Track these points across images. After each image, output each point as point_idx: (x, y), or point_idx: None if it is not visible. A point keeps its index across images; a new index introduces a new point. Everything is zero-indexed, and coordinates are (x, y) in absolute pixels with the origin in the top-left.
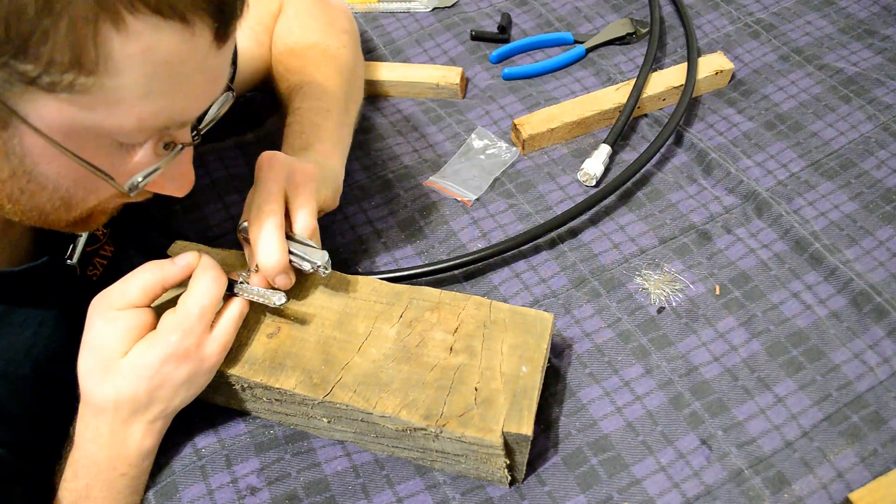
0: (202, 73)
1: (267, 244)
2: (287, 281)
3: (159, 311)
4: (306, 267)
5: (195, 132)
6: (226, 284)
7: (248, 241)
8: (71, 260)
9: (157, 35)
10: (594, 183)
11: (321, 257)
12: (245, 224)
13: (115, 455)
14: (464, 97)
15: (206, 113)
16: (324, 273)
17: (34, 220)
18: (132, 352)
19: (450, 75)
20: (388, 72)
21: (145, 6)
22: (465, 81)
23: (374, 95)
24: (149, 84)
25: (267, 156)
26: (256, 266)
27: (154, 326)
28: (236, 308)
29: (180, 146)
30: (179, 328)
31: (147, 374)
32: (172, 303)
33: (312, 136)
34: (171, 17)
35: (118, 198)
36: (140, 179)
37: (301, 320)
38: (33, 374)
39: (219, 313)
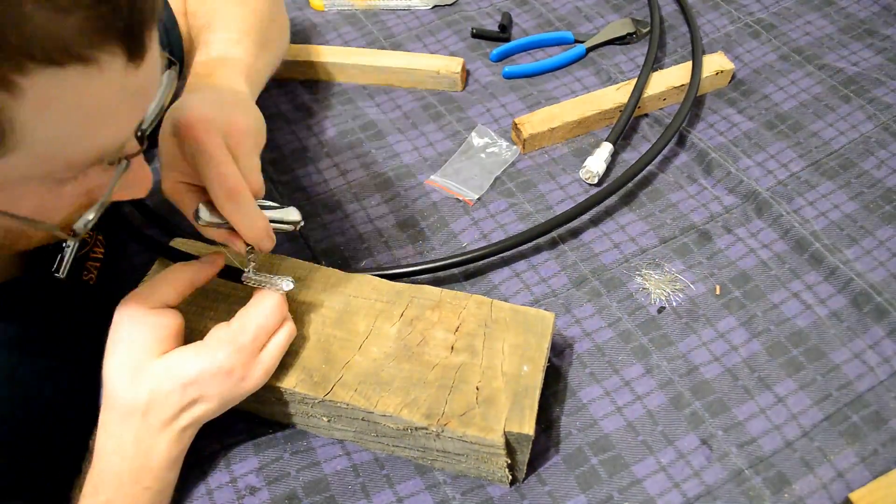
0: (124, 98)
1: (249, 216)
2: (271, 243)
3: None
4: (287, 228)
5: (139, 135)
6: (285, 305)
7: (213, 225)
8: (59, 273)
9: (58, 86)
10: (596, 181)
11: (295, 213)
12: (203, 212)
13: (139, 467)
14: (464, 89)
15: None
16: (300, 228)
17: None
18: (173, 356)
19: (451, 64)
20: (388, 59)
21: (34, 62)
22: (466, 73)
23: (373, 86)
24: (66, 132)
25: (196, 120)
26: (250, 246)
27: (183, 328)
28: (285, 334)
29: (125, 162)
30: (231, 345)
31: (185, 381)
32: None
33: (220, 68)
34: (68, 62)
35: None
36: (91, 217)
37: (301, 318)
38: (16, 394)
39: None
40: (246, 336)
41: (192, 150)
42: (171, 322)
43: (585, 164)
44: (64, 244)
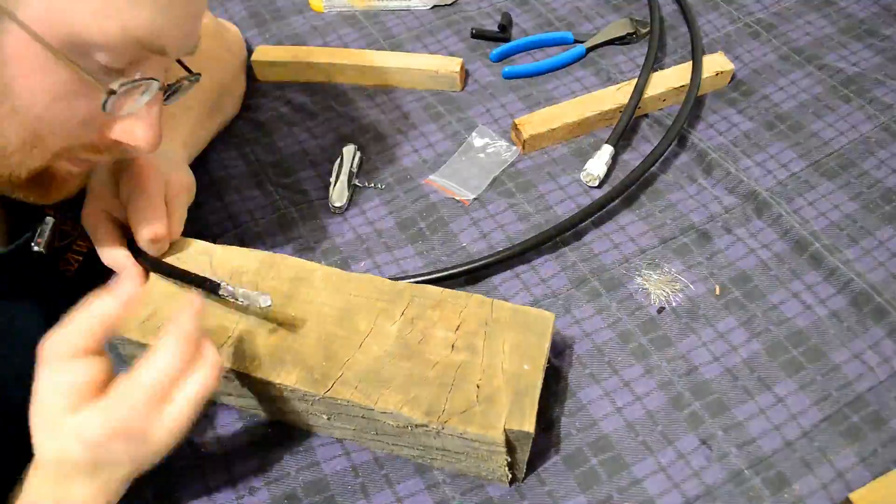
0: None
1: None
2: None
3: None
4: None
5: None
6: (193, 345)
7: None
8: (38, 246)
9: None
10: (597, 184)
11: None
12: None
13: None
14: (463, 89)
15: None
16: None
17: None
18: (80, 415)
19: (450, 64)
20: (387, 59)
21: None
22: (465, 73)
23: (373, 86)
24: None
25: (146, 165)
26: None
27: (108, 373)
28: (195, 388)
29: (155, 81)
30: (125, 404)
31: (90, 444)
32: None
33: (166, 128)
34: None
35: (86, 149)
36: (117, 87)
37: (302, 316)
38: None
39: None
40: (139, 392)
41: (131, 189)
42: (87, 375)
43: (586, 166)
44: (45, 219)
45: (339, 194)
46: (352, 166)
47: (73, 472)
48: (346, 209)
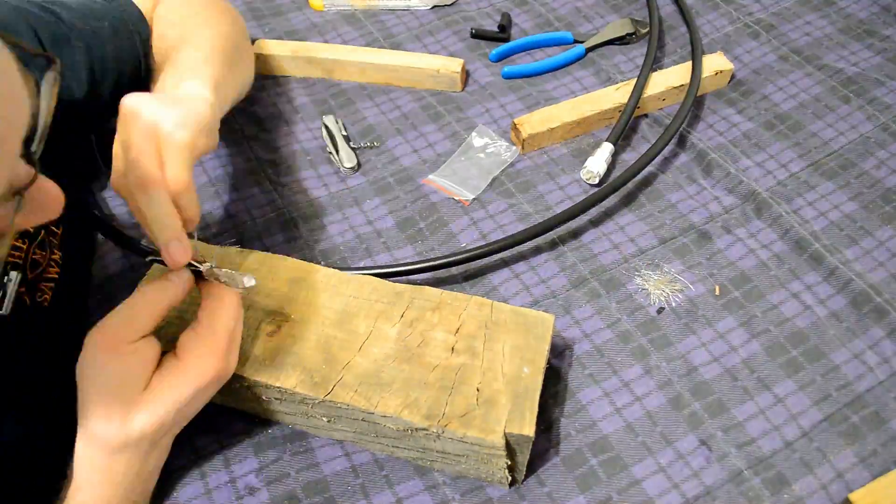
0: None
1: (159, 212)
2: (182, 255)
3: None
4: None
5: (28, 157)
6: (240, 302)
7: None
8: (1, 309)
9: None
10: (597, 181)
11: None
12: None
13: (130, 487)
14: (463, 89)
15: (31, 133)
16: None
17: None
18: (160, 387)
19: (450, 64)
20: (388, 58)
21: None
22: (466, 74)
23: (372, 86)
24: None
25: (126, 111)
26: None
27: (159, 353)
28: (235, 309)
29: (21, 191)
30: (212, 356)
31: (177, 406)
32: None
33: (187, 73)
34: None
35: None
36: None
37: (301, 319)
38: None
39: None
40: (220, 341)
41: (119, 130)
42: (151, 355)
43: (586, 164)
44: (5, 279)
45: (347, 156)
46: (342, 131)
47: (151, 440)
48: (357, 170)
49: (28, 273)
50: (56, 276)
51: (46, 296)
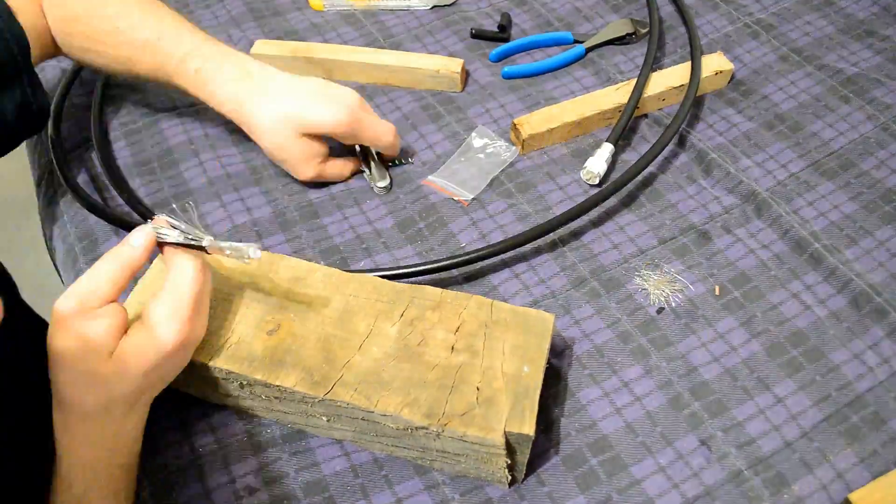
0: None
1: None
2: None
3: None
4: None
5: None
6: (205, 268)
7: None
8: None
9: None
10: (597, 182)
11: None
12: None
13: (110, 450)
14: (463, 89)
15: None
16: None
17: None
18: (124, 352)
19: (450, 64)
20: (388, 58)
21: None
22: (466, 74)
23: (372, 87)
24: None
25: (345, 115)
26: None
27: (126, 319)
28: (199, 273)
29: None
30: (178, 322)
31: (143, 370)
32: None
33: (228, 61)
34: None
35: None
36: None
37: (301, 318)
38: None
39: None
40: (185, 307)
41: (354, 132)
42: (120, 317)
43: (586, 164)
44: None
45: (380, 175)
46: (369, 148)
47: (124, 406)
48: (390, 189)
49: None
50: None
51: None
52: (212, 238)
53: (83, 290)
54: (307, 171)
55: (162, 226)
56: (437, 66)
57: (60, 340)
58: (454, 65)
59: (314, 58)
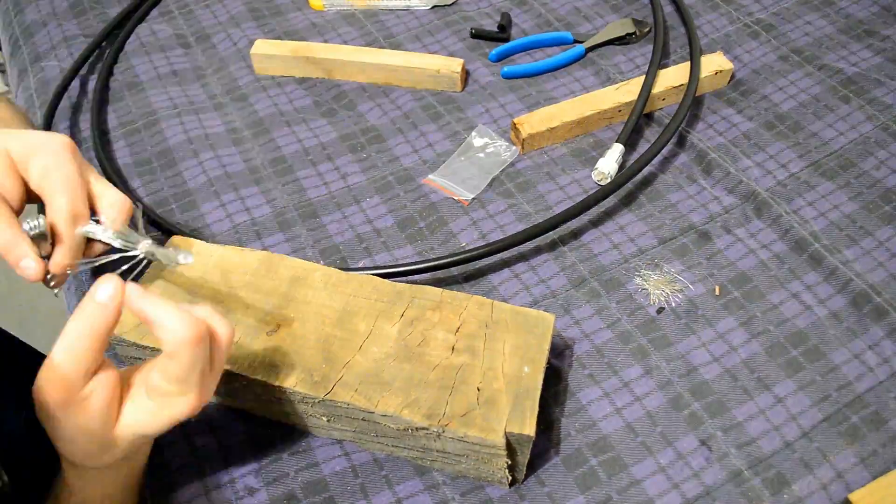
0: None
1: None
2: (34, 270)
3: None
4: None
5: None
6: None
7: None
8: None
9: None
10: (608, 182)
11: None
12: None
13: (123, 485)
14: (463, 89)
15: None
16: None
17: None
18: (130, 420)
19: (451, 64)
20: (388, 58)
21: None
22: (466, 73)
23: (372, 87)
24: None
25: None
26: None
27: (116, 378)
28: (225, 338)
29: None
30: (183, 395)
31: (153, 433)
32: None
33: None
34: None
35: None
36: None
37: (301, 318)
38: None
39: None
40: (191, 380)
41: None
42: (110, 386)
43: (597, 165)
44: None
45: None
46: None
47: (139, 461)
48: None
49: None
50: None
51: None
52: (148, 243)
53: (64, 374)
54: None
55: (93, 229)
56: (438, 66)
57: (55, 427)
58: (454, 65)
59: (314, 58)
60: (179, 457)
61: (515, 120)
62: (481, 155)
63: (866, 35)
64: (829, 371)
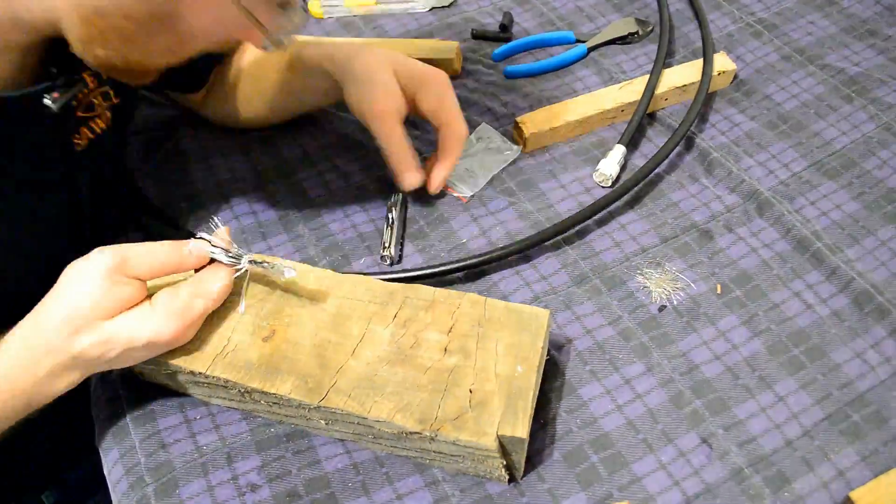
0: None
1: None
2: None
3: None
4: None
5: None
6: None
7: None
8: (50, 100)
9: None
10: (609, 184)
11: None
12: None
13: (36, 392)
14: (461, 73)
15: None
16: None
17: (107, 64)
18: (119, 321)
19: (445, 50)
20: (381, 46)
21: None
22: (461, 57)
23: None
24: None
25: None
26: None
27: (142, 298)
28: (222, 292)
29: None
30: (180, 320)
31: (123, 346)
32: None
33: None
34: None
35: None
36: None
37: (296, 322)
38: None
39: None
40: (193, 312)
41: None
42: (139, 296)
43: (599, 167)
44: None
45: (394, 247)
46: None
47: (84, 364)
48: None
49: (79, 110)
50: (100, 130)
51: (81, 141)
52: (249, 257)
53: (131, 255)
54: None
55: (209, 246)
56: (431, 54)
57: (77, 281)
58: (449, 49)
59: None
60: (183, 454)
61: (518, 119)
62: (483, 153)
63: (869, 35)
64: (831, 370)
